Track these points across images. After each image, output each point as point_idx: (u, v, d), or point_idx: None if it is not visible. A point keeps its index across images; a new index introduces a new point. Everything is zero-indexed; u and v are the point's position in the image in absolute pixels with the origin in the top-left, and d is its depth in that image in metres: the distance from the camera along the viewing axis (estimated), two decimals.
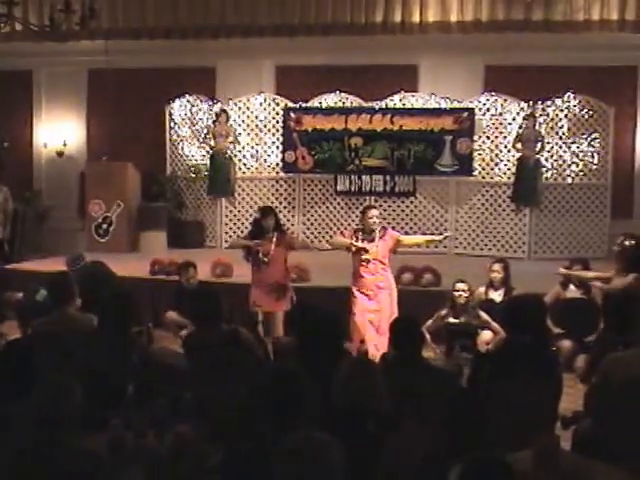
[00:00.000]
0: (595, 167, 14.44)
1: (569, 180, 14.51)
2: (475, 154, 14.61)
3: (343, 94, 15.16)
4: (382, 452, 4.36)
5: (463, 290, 9.52)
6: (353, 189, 15.01)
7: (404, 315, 6.59)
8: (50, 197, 16.95)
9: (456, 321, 9.46)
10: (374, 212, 9.50)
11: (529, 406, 5.66)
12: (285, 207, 15.50)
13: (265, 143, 15.55)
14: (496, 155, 14.74)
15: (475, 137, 14.56)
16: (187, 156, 15.87)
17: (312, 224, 15.44)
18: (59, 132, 16.94)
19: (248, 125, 15.53)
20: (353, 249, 9.32)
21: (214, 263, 12.02)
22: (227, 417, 4.97)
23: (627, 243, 9.47)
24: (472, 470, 3.76)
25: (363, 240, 9.32)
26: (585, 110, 14.35)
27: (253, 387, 5.03)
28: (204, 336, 7.00)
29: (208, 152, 15.60)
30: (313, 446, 3.76)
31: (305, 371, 4.83)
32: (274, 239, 9.72)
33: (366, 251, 9.24)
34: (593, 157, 14.39)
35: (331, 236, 14.56)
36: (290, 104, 15.28)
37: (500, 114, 14.65)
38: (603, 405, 5.95)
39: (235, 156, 15.52)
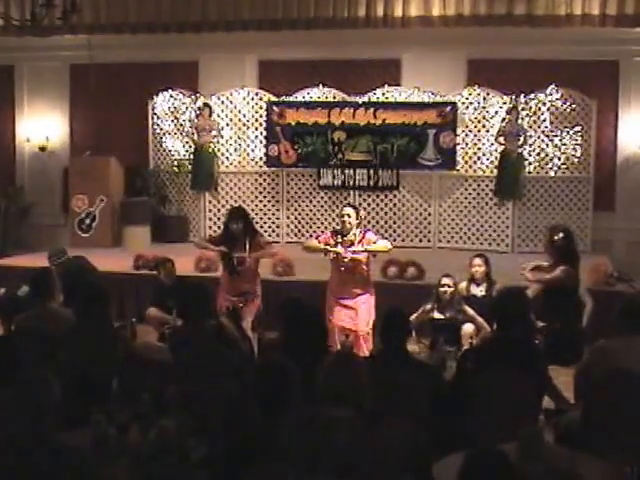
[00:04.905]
0: (577, 160, 14.45)
1: (552, 173, 14.53)
2: (458, 148, 14.63)
3: (326, 88, 15.14)
4: (366, 446, 4.38)
5: (448, 285, 9.51)
6: (336, 183, 14.97)
7: (394, 308, 6.57)
8: (33, 192, 16.86)
9: (441, 316, 9.45)
10: (347, 210, 9.31)
11: (513, 399, 5.68)
12: (269, 201, 15.50)
13: (248, 137, 15.52)
14: (479, 149, 14.76)
15: (458, 131, 14.57)
16: (170, 150, 15.83)
17: (296, 218, 15.42)
18: (42, 127, 16.86)
19: (231, 119, 15.51)
20: (331, 256, 9.22)
21: (198, 258, 12.00)
22: (212, 412, 4.98)
23: (556, 237, 9.55)
24: (473, 463, 3.79)
25: (342, 244, 9.18)
26: (567, 103, 14.38)
27: (245, 381, 5.05)
28: (189, 331, 7.00)
29: (191, 146, 15.57)
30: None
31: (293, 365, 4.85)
32: (246, 246, 9.57)
33: (342, 257, 9.14)
34: (575, 150, 14.42)
35: (315, 230, 14.61)
36: (273, 98, 15.27)
37: (483, 108, 14.66)
38: (589, 395, 5.99)
39: (218, 150, 15.49)
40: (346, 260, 9.14)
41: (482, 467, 3.75)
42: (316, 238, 9.75)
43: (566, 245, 9.53)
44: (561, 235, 9.54)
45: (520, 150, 14.36)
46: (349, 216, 9.18)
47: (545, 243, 9.93)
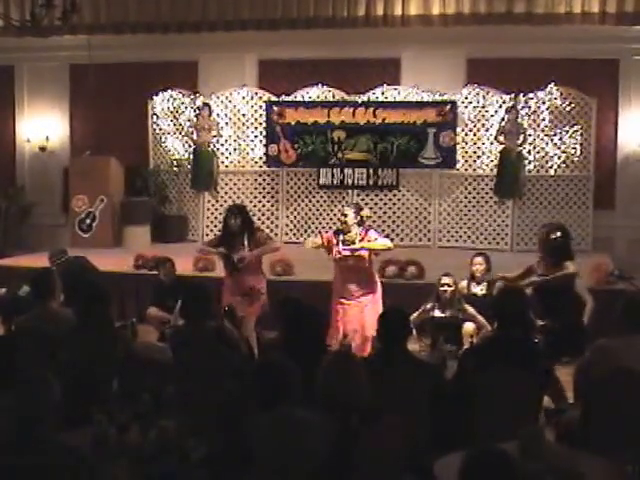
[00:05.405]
0: (577, 159, 14.49)
1: (551, 172, 14.55)
2: (458, 147, 14.63)
3: (326, 87, 15.15)
4: (365, 446, 4.38)
5: (448, 284, 9.48)
6: (336, 182, 14.98)
7: (393, 307, 6.57)
8: (33, 193, 16.87)
9: (442, 315, 9.43)
10: (344, 210, 9.31)
11: (514, 398, 5.68)
12: (268, 201, 15.51)
13: (248, 137, 15.54)
14: (479, 148, 14.78)
15: (458, 130, 14.57)
16: (170, 150, 15.85)
17: (295, 217, 15.42)
18: (42, 127, 16.87)
19: (231, 119, 15.52)
20: (333, 253, 9.19)
21: (196, 257, 11.98)
22: (211, 412, 4.99)
23: (554, 236, 9.44)
24: (474, 462, 3.78)
25: (343, 242, 9.15)
26: (567, 102, 14.40)
27: (245, 381, 5.05)
28: (191, 332, 6.99)
29: (191, 146, 15.59)
30: (294, 424, 3.80)
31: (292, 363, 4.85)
32: (245, 242, 9.44)
33: (339, 254, 9.12)
34: (575, 149, 14.44)
35: (313, 230, 14.61)
36: (273, 97, 15.27)
37: (482, 106, 14.68)
38: (589, 395, 5.98)
39: (218, 150, 15.51)
40: (346, 255, 9.13)
41: (482, 466, 3.74)
42: (319, 234, 9.78)
43: (564, 243, 9.48)
44: (559, 234, 9.48)
45: (520, 149, 14.37)
46: (345, 215, 9.19)
47: (542, 242, 9.75)
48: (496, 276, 9.84)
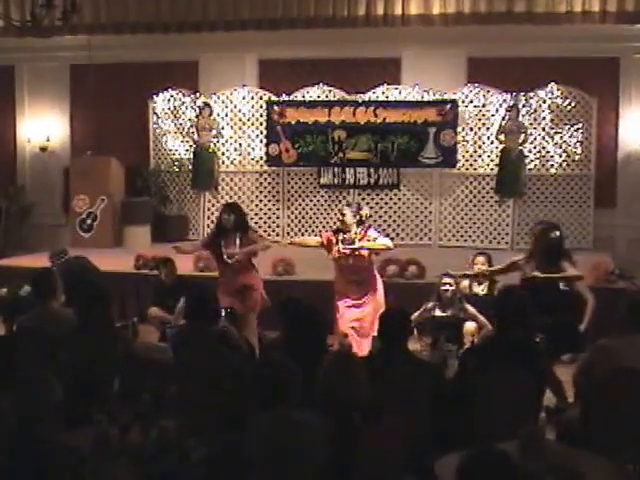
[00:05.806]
0: (578, 157, 14.48)
1: (552, 171, 14.55)
2: (458, 146, 14.62)
3: (326, 87, 15.14)
4: (365, 445, 4.37)
5: (449, 283, 9.48)
6: (337, 182, 14.98)
7: (395, 307, 6.57)
8: (34, 193, 16.87)
9: (443, 314, 9.42)
10: (343, 209, 9.31)
11: (514, 398, 5.68)
12: (269, 200, 15.51)
13: (249, 136, 15.53)
14: (479, 147, 14.77)
15: (458, 129, 14.56)
16: (171, 150, 15.84)
17: (296, 217, 15.42)
18: (42, 128, 16.86)
19: (231, 119, 15.52)
20: (333, 252, 9.21)
21: (197, 257, 11.97)
22: (211, 412, 4.99)
23: (553, 236, 9.21)
24: (473, 462, 3.77)
25: (342, 242, 9.15)
26: (568, 101, 14.39)
27: (243, 379, 5.05)
28: (191, 332, 6.99)
29: (192, 146, 15.58)
30: (294, 425, 3.80)
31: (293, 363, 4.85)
32: (237, 239, 9.40)
33: (339, 253, 9.13)
34: (576, 148, 14.44)
35: (314, 230, 14.61)
36: (273, 97, 15.27)
37: (483, 106, 14.67)
38: (589, 394, 5.98)
39: (219, 150, 15.50)
40: (345, 254, 9.13)
41: (482, 466, 3.74)
42: (320, 235, 9.80)
43: (560, 243, 9.41)
44: (557, 233, 9.39)
45: (520, 148, 14.36)
46: (343, 215, 9.20)
47: (538, 240, 9.50)
48: (479, 271, 9.84)
